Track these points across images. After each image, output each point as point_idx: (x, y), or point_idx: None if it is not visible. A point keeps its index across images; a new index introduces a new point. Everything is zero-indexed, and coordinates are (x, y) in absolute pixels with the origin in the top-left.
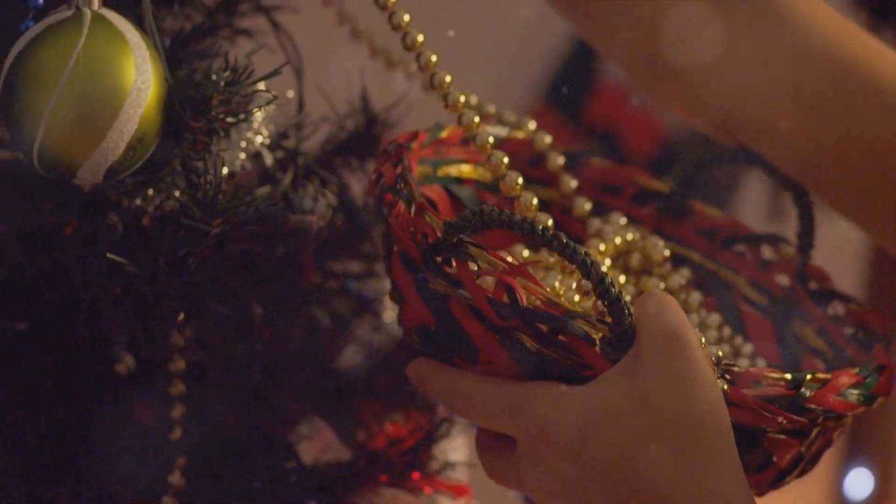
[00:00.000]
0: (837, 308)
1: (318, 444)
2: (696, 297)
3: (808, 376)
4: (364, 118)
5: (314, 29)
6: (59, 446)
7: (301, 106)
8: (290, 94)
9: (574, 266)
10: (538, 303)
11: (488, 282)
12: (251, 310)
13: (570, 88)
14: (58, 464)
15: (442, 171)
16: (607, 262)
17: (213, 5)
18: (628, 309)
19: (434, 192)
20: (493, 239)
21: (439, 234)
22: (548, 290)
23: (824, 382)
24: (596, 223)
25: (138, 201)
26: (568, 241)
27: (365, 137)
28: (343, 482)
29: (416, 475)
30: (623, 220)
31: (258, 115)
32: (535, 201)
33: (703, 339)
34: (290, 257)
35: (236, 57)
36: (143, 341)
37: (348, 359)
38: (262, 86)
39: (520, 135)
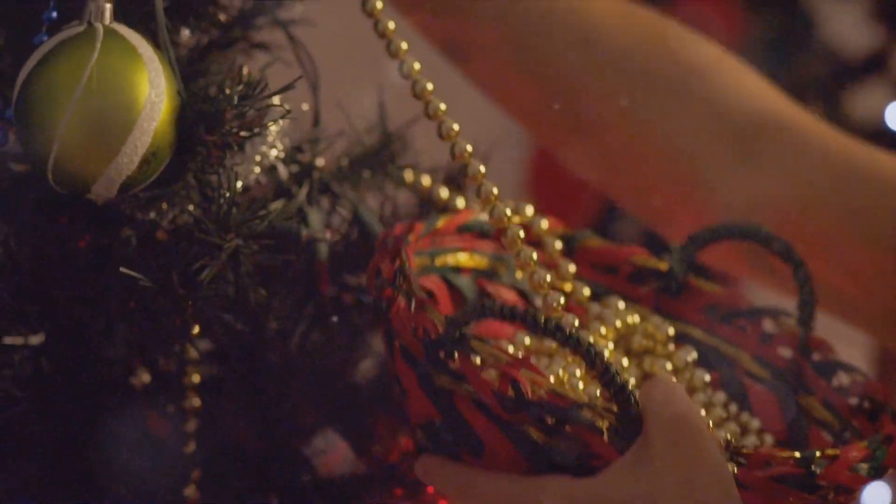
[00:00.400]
0: (842, 379)
1: (333, 457)
2: (701, 375)
3: (818, 453)
4: (381, 134)
5: (331, 43)
6: (75, 459)
7: (317, 120)
8: (306, 107)
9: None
10: (543, 394)
11: (492, 375)
12: (266, 323)
13: None
14: (73, 476)
15: (439, 261)
16: (610, 345)
17: (228, 19)
18: (634, 397)
19: (432, 282)
20: (495, 325)
21: (441, 330)
22: (552, 378)
23: (834, 458)
24: (595, 308)
25: (152, 215)
26: (571, 333)
27: (381, 153)
28: (358, 495)
29: (430, 489)
30: (622, 304)
31: (273, 129)
32: (561, 300)
33: (710, 423)
34: (304, 271)
35: (250, 70)
36: (158, 355)
37: (363, 372)
38: (276, 100)
39: (516, 220)
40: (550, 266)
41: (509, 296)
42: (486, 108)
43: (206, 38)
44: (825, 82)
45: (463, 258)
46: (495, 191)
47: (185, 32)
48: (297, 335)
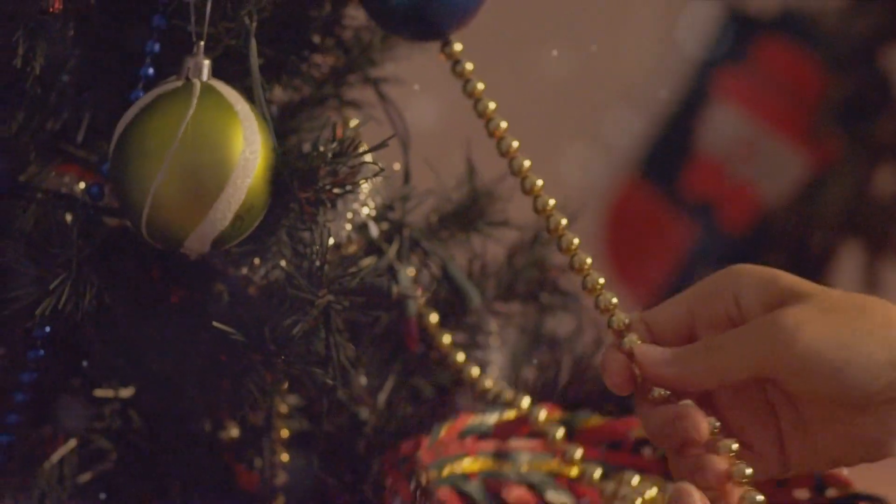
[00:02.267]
0: None
1: None
2: None
3: None
4: (469, 191)
5: (421, 100)
6: None
7: (407, 178)
8: (397, 166)
9: None
10: None
11: None
12: (355, 379)
13: (667, 160)
14: None
15: (447, 471)
16: None
17: (321, 76)
18: None
19: (444, 494)
20: None
21: None
22: None
23: None
24: (610, 486)
25: (244, 270)
26: None
27: (470, 210)
28: None
29: None
30: (636, 479)
31: (365, 187)
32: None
33: None
34: (393, 328)
35: (343, 128)
36: (247, 409)
37: None
38: (369, 157)
39: (512, 414)
40: (556, 454)
41: (520, 492)
42: (566, 167)
43: (298, 96)
44: None
45: (468, 463)
46: (601, 280)
47: (279, 89)
48: (385, 391)
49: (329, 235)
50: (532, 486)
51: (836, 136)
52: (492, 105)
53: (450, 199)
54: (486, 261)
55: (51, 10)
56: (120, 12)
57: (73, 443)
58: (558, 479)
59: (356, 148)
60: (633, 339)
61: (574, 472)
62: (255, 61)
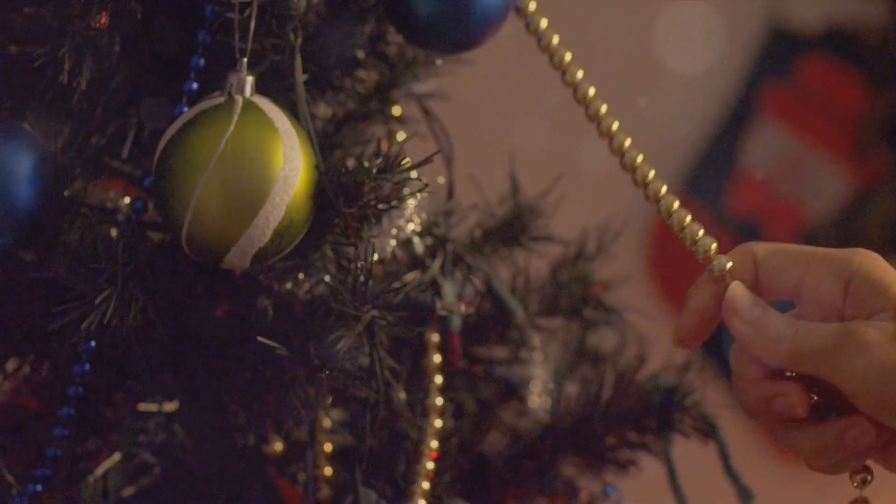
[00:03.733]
0: None
1: None
2: None
3: None
4: (513, 206)
5: (464, 116)
6: None
7: (451, 193)
8: (442, 180)
9: None
10: None
11: None
12: (397, 394)
13: (711, 177)
14: None
15: None
16: None
17: (365, 92)
18: None
19: None
20: None
21: None
22: None
23: None
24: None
25: (289, 285)
26: None
27: (513, 225)
28: None
29: None
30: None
31: (411, 203)
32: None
33: None
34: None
35: (388, 144)
36: (292, 423)
37: (493, 443)
38: (413, 173)
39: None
40: None
41: None
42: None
43: (342, 111)
44: None
45: None
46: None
47: (323, 105)
48: (426, 405)
49: (373, 251)
50: None
51: (880, 154)
52: (567, 56)
53: (493, 215)
54: (529, 276)
55: (97, 25)
56: (165, 28)
57: (117, 456)
58: None
59: (400, 163)
60: (733, 283)
61: None
62: (299, 77)
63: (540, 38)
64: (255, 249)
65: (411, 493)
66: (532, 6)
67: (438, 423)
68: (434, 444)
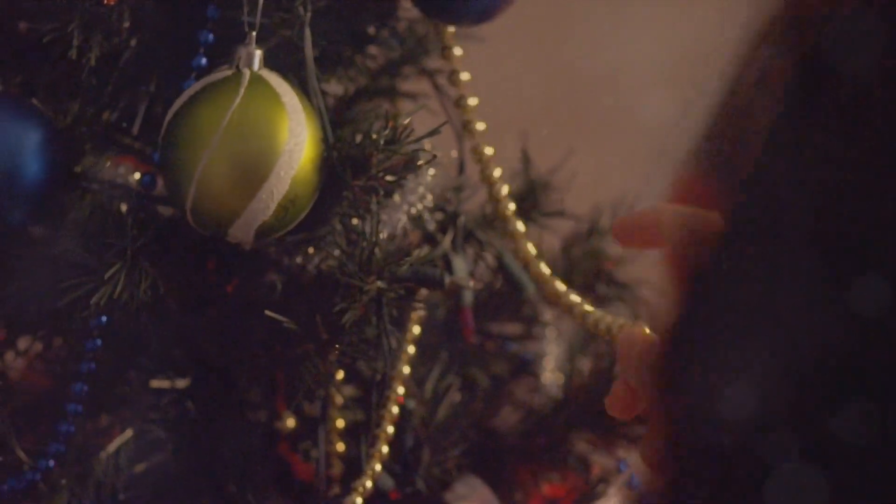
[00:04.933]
0: None
1: (474, 503)
2: None
3: None
4: (525, 181)
5: (476, 91)
6: (220, 502)
7: (462, 169)
8: (454, 154)
9: None
10: None
11: None
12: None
13: None
14: None
15: None
16: None
17: (376, 68)
18: None
19: None
20: None
21: None
22: None
23: None
24: None
25: (298, 260)
26: None
27: (526, 200)
28: None
29: None
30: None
31: (423, 181)
32: None
33: None
34: (448, 318)
35: (396, 116)
36: (304, 399)
37: (506, 419)
38: (424, 144)
39: None
40: None
41: None
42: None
43: (353, 87)
44: None
45: None
46: None
47: (334, 80)
48: (434, 381)
49: (380, 223)
50: None
51: None
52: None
53: None
54: (541, 251)
55: (106, 1)
56: (174, 3)
57: (129, 433)
58: None
59: (409, 135)
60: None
61: None
62: (309, 52)
63: None
64: (259, 223)
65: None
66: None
67: (401, 389)
68: (395, 410)
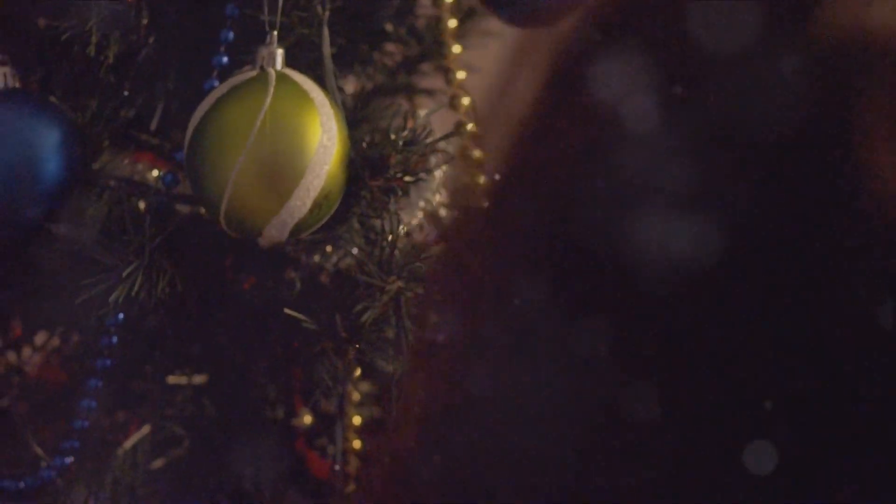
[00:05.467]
0: None
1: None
2: None
3: None
4: None
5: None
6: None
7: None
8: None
9: None
10: None
11: None
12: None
13: None
14: None
15: None
16: None
17: (393, 65)
18: None
19: None
20: None
21: None
22: None
23: None
24: None
25: (316, 258)
26: None
27: None
28: None
29: None
30: None
31: (438, 175)
32: None
33: None
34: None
35: (415, 116)
36: (321, 396)
37: None
38: (441, 145)
39: None
40: None
41: None
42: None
43: (371, 84)
44: None
45: None
46: None
47: (351, 78)
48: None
49: (400, 223)
50: None
51: None
52: None
53: None
54: None
55: None
56: (194, 1)
57: (146, 429)
58: None
59: (427, 136)
60: None
61: None
62: (327, 50)
63: None
64: (295, 221)
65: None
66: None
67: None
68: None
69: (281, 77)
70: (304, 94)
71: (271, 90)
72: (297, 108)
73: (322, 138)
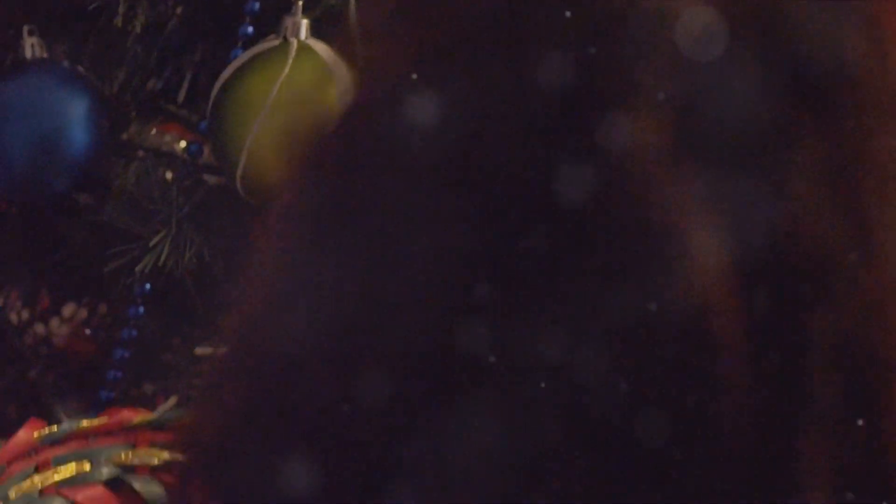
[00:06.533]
0: None
1: None
2: None
3: None
4: None
5: None
6: None
7: None
8: None
9: None
10: None
11: None
12: None
13: None
14: None
15: (14, 494)
16: None
17: None
18: None
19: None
20: None
21: None
22: None
23: None
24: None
25: None
26: None
27: None
28: None
29: None
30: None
31: None
32: None
33: None
34: None
35: None
36: None
37: None
38: None
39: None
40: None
41: (93, 491)
42: None
43: None
44: None
45: (40, 478)
46: None
47: None
48: None
49: None
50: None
51: None
52: None
53: None
54: None
55: None
56: None
57: (173, 400)
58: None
59: None
60: None
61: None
62: (354, 21)
63: None
64: None
65: None
66: None
67: None
68: None
69: (302, 48)
70: (323, 66)
71: (290, 61)
72: (315, 80)
73: (339, 111)
